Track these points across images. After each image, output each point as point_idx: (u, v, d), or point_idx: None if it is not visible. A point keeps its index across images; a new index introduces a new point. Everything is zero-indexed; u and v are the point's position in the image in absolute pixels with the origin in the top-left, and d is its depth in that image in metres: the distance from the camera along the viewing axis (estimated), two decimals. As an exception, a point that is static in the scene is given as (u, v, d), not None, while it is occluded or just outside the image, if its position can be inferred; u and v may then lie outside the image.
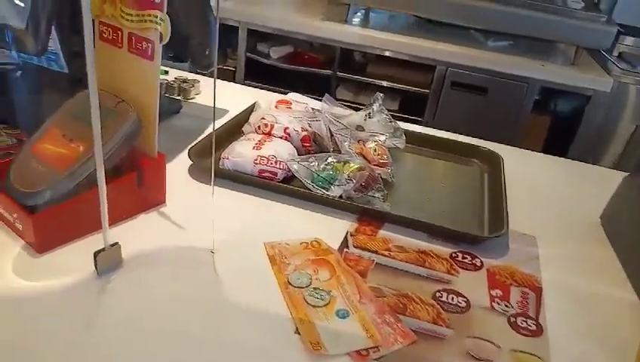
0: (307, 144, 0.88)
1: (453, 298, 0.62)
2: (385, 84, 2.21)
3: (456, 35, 2.25)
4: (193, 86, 1.06)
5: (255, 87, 1.29)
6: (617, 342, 0.60)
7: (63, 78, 0.81)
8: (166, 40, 0.65)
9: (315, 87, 1.98)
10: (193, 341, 0.53)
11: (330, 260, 0.66)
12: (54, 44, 0.75)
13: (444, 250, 0.71)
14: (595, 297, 0.68)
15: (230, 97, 1.11)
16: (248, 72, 2.31)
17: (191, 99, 1.07)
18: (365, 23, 2.36)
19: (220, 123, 0.97)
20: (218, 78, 1.20)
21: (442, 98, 2.14)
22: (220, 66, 2.28)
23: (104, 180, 0.55)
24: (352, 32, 2.21)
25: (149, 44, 0.65)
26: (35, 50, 0.67)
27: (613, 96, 2.00)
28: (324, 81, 2.25)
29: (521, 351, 0.56)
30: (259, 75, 2.25)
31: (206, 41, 0.92)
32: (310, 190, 0.78)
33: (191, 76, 1.11)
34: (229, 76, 2.26)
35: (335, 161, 0.79)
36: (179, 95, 1.06)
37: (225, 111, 1.04)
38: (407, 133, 0.96)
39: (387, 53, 2.17)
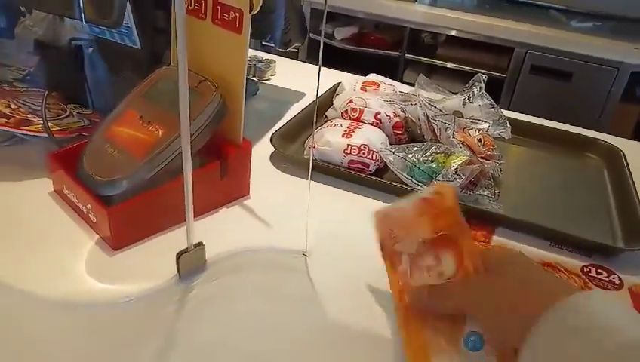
0: (399, 131, 0.78)
1: (595, 324, 0.51)
2: (455, 66, 2.07)
3: (535, 15, 2.08)
4: (269, 66, 0.98)
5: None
6: None
7: (134, 56, 0.75)
8: (257, 9, 0.57)
9: (381, 70, 1.88)
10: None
11: (454, 232, 0.45)
12: (127, 17, 0.68)
13: (573, 262, 0.60)
14: None
15: (306, 78, 1.02)
16: (311, 53, 2.22)
17: (266, 80, 0.99)
18: (434, 0, 2.22)
19: (299, 107, 0.89)
20: (284, 57, 1.11)
21: (520, 83, 1.98)
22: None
23: (190, 170, 0.47)
24: (420, 11, 2.07)
25: (237, 14, 0.57)
26: (112, 21, 0.60)
27: None
28: (391, 64, 2.13)
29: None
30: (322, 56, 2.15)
31: (287, 16, 0.83)
32: (408, 185, 0.68)
33: (266, 56, 1.03)
34: (292, 57, 2.18)
35: (438, 151, 0.69)
36: (254, 76, 0.98)
37: (302, 94, 0.96)
38: (509, 120, 0.84)
39: (458, 34, 2.02)
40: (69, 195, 0.58)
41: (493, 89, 2.12)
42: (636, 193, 0.70)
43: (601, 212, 0.70)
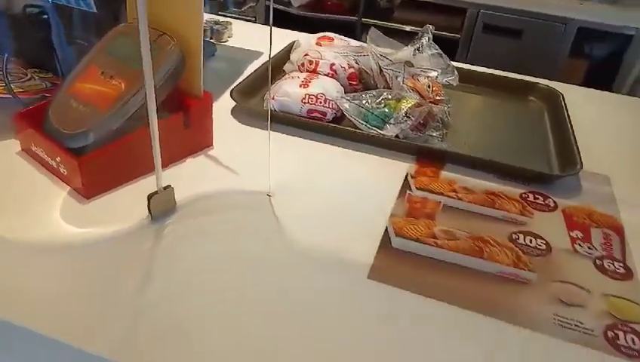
0: (354, 82, 0.82)
1: (531, 240, 0.58)
2: (412, 29, 2.11)
3: (487, -25, 2.13)
4: (226, 28, 1.00)
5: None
6: None
7: (90, 19, 0.76)
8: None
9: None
10: (257, 291, 0.49)
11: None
12: (81, -20, 0.69)
13: (514, 190, 0.66)
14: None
15: (262, 39, 1.04)
16: (268, 20, 2.22)
17: (224, 42, 1.01)
18: (390, -36, 2.24)
19: (256, 65, 0.91)
20: (242, 20, 1.13)
21: (474, 43, 2.04)
22: (237, 15, 2.20)
23: (156, 117, 0.50)
24: (376, -25, 2.10)
25: (191, -31, 0.59)
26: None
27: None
28: (348, 29, 2.16)
29: (613, 296, 0.51)
30: (279, 23, 2.16)
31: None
32: (363, 131, 0.72)
33: (222, 18, 1.04)
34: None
35: (389, 97, 0.73)
36: (211, 38, 0.99)
37: (259, 54, 0.98)
38: (457, 69, 0.89)
39: (414, -4, 2.06)
40: (37, 152, 0.60)
41: (449, 50, 2.18)
42: (572, 129, 0.77)
43: (541, 148, 0.77)
